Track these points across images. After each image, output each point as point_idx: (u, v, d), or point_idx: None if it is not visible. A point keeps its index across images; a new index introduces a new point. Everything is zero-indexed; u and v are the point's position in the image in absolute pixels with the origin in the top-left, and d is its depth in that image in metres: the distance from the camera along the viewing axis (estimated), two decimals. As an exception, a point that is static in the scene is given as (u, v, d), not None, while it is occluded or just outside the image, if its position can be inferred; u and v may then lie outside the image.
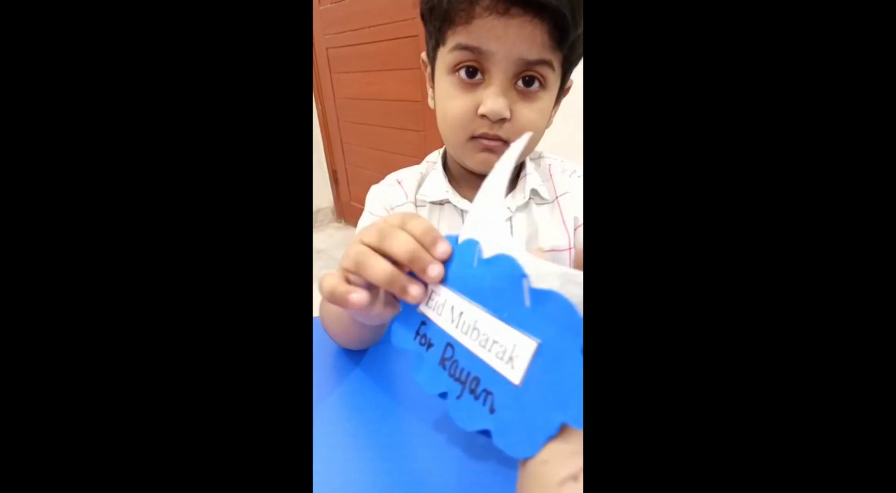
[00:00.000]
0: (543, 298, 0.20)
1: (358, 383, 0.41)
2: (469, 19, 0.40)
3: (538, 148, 0.55)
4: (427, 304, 0.26)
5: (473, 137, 0.44)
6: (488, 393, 0.21)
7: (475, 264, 0.23)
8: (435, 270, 0.25)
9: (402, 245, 0.26)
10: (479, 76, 0.42)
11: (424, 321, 0.25)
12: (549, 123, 0.49)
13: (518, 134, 0.43)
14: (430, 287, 0.26)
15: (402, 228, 0.28)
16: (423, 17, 0.46)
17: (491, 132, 0.43)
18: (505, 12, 0.39)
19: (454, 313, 0.23)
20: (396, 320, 0.28)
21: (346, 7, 1.64)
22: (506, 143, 0.44)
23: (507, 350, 0.21)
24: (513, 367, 0.20)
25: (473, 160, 0.47)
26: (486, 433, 0.21)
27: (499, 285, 0.22)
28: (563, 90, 0.49)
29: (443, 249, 0.26)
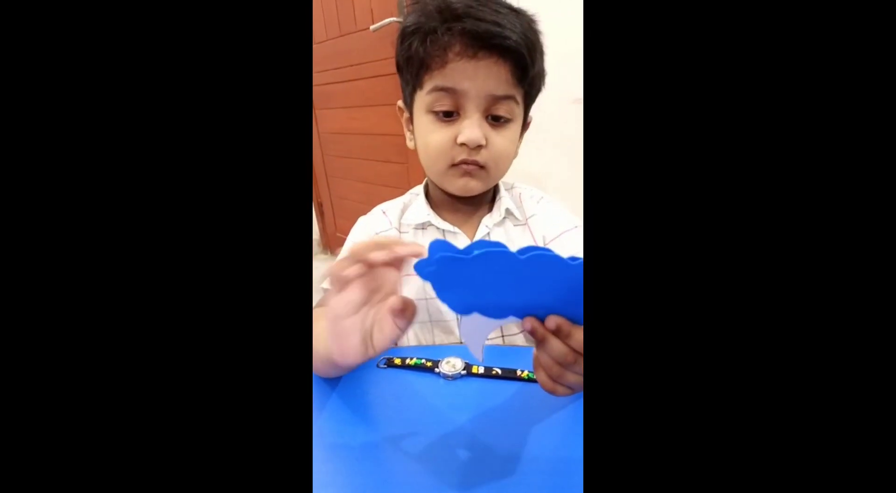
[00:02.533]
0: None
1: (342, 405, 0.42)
2: (443, 64, 0.47)
3: (509, 179, 0.62)
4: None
5: (453, 165, 0.50)
6: None
7: None
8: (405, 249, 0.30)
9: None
10: (454, 115, 0.49)
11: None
12: (515, 154, 0.56)
13: (493, 159, 0.50)
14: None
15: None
16: (398, 67, 0.53)
17: (470, 158, 0.49)
18: (474, 56, 0.46)
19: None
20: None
21: (329, 47, 1.70)
22: (482, 167, 0.50)
23: None
24: None
25: (454, 185, 0.53)
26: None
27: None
28: (525, 125, 0.56)
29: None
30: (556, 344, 0.30)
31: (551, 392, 0.31)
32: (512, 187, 0.63)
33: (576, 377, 0.30)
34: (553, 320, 0.29)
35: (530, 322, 0.30)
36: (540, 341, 0.30)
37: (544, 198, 0.62)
